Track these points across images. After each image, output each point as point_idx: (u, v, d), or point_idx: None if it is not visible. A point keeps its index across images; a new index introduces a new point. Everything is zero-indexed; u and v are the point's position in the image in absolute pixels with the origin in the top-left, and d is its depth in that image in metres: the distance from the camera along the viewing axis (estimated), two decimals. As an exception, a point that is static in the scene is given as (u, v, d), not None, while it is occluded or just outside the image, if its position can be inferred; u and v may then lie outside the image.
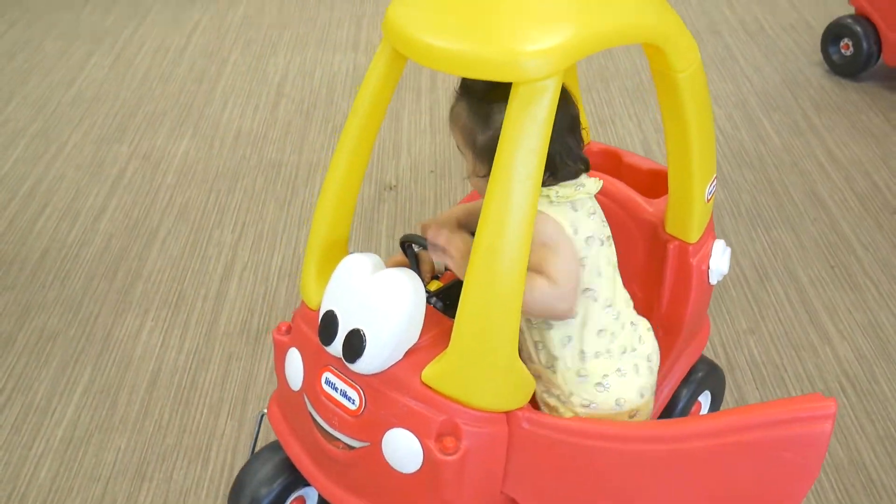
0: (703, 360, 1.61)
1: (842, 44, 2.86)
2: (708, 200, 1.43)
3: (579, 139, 1.29)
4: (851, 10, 2.94)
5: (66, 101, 2.90)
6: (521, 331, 1.30)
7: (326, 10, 3.48)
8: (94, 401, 1.82)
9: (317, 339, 1.28)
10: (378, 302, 1.21)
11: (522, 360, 1.23)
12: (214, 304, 2.07)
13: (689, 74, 1.27)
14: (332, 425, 1.27)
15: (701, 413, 1.64)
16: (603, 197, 1.46)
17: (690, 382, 1.57)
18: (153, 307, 2.06)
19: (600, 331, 1.30)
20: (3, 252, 2.24)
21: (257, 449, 1.51)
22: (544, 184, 1.25)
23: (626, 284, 1.36)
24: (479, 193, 1.29)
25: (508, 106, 1.10)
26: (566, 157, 1.26)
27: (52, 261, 2.21)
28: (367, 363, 1.21)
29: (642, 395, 1.35)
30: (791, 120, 2.69)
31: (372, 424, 1.23)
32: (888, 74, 2.89)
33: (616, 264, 1.34)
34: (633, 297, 1.39)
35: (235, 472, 1.64)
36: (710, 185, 1.41)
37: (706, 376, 1.60)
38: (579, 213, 1.27)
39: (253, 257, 2.21)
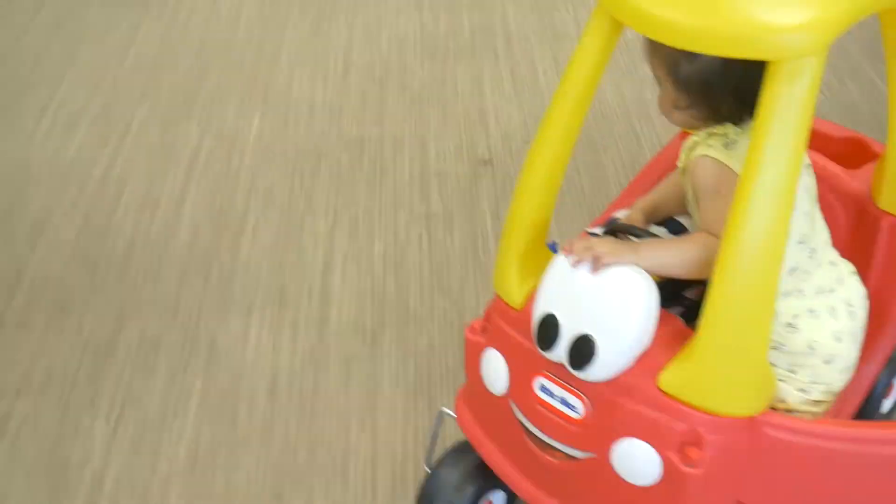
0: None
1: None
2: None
3: None
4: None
5: (123, 77, 2.73)
6: None
7: (380, -34, 3.29)
8: (211, 414, 1.71)
9: (525, 342, 1.20)
10: (610, 305, 1.12)
11: None
12: (320, 299, 1.94)
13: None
14: (548, 434, 1.19)
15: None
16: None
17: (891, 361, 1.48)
18: (256, 306, 1.93)
19: (792, 269, 1.21)
20: (84, 250, 2.10)
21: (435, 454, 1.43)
22: (713, 121, 1.19)
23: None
24: (679, 125, 1.26)
25: (765, 86, 1.00)
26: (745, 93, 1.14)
27: (140, 257, 2.08)
28: (598, 371, 1.12)
29: (839, 340, 1.25)
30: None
31: (599, 434, 1.15)
32: None
33: (816, 196, 1.24)
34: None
35: (379, 491, 1.55)
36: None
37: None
38: None
39: (353, 246, 2.08)
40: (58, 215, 2.20)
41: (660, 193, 1.37)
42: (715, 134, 1.18)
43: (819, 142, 1.48)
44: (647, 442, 1.11)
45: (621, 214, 1.39)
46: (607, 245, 1.16)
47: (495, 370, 1.25)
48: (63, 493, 1.57)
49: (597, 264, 1.14)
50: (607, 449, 1.14)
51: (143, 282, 2.01)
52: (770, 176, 1.00)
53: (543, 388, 1.19)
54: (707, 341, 1.08)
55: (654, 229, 1.34)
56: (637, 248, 1.16)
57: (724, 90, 1.14)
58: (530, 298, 1.22)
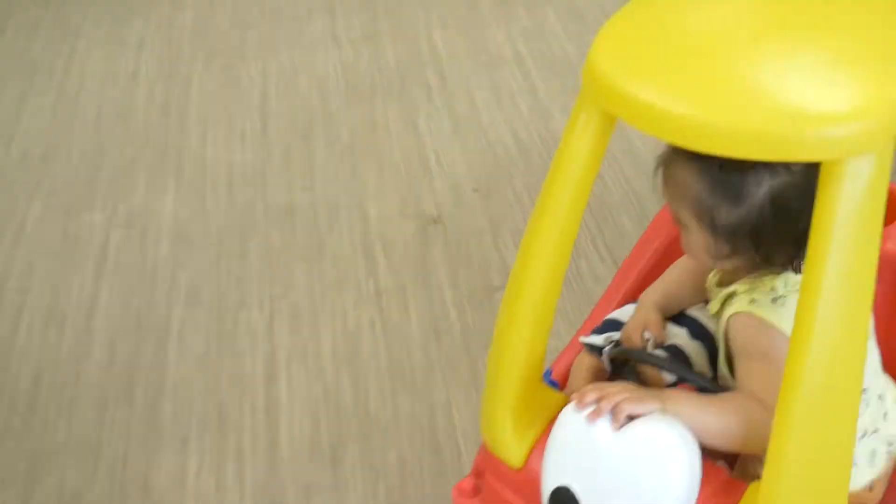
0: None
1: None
2: None
3: None
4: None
5: (9, 167, 2.39)
6: None
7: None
8: (152, 587, 1.43)
9: None
10: (642, 472, 0.89)
11: None
12: (266, 416, 1.67)
13: None
14: None
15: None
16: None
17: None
18: (192, 434, 1.65)
19: None
20: (-17, 386, 1.80)
21: None
22: (764, 268, 0.97)
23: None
24: (711, 267, 1.05)
25: (819, 190, 0.78)
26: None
27: (49, 387, 1.77)
28: None
29: (871, 489, 1.08)
30: None
31: None
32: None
33: (871, 328, 1.02)
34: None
35: None
36: None
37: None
38: None
39: (296, 342, 1.80)
40: (-52, 346, 1.89)
41: (671, 283, 1.14)
42: (760, 287, 0.95)
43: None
44: None
45: (627, 311, 1.15)
46: (625, 391, 0.92)
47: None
48: None
49: (618, 416, 0.90)
50: None
51: (57, 419, 1.71)
52: (844, 307, 0.79)
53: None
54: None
55: (671, 330, 1.10)
56: (663, 398, 0.91)
57: (780, 236, 0.92)
58: (533, 451, 0.98)
